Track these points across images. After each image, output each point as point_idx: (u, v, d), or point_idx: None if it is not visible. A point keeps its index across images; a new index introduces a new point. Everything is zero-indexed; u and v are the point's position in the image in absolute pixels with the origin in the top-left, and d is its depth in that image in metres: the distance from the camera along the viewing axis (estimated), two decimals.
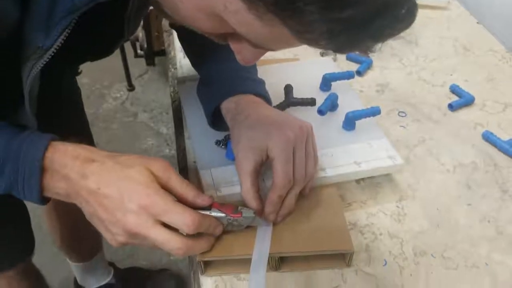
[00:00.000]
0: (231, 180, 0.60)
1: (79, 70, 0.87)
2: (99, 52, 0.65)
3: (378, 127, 0.68)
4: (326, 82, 0.74)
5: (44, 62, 0.45)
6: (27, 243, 0.89)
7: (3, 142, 0.47)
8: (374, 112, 0.67)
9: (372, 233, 0.60)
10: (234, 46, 0.44)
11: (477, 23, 1.00)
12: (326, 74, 0.74)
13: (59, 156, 0.47)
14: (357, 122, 0.67)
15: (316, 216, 0.57)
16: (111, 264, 1.32)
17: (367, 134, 0.67)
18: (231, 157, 0.62)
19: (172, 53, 0.90)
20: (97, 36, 0.58)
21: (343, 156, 0.63)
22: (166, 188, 0.48)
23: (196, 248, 0.50)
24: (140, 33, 1.76)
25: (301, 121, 0.57)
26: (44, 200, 0.49)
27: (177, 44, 0.92)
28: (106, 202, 0.47)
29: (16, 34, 0.44)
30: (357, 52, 0.41)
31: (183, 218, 0.47)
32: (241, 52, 0.44)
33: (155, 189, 0.47)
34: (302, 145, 0.55)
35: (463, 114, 0.78)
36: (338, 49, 0.37)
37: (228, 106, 0.61)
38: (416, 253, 0.58)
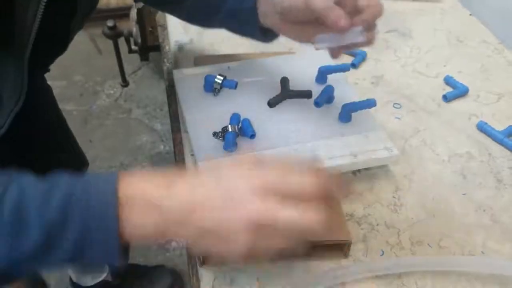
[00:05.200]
0: None
1: (48, 68, 0.84)
2: (56, 36, 0.62)
3: (374, 118, 0.69)
4: (322, 75, 0.74)
5: None
6: None
7: (56, 200, 0.37)
8: (369, 104, 0.68)
9: (369, 223, 0.60)
10: None
11: (470, 15, 1.00)
12: (321, 66, 0.74)
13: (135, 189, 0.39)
14: (353, 114, 0.68)
15: None
16: None
17: (363, 125, 0.67)
18: (228, 149, 0.62)
19: (167, 48, 0.90)
20: (48, 13, 0.53)
21: (340, 148, 0.64)
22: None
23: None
24: (134, 28, 1.75)
25: None
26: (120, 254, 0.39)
27: (172, 38, 0.91)
28: (214, 213, 0.38)
29: None
30: None
31: (304, 177, 0.39)
32: None
33: (255, 171, 0.40)
34: None
35: (458, 105, 0.79)
36: None
37: None
38: (413, 243, 0.58)
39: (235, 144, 0.62)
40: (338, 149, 0.63)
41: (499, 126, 0.73)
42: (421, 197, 0.64)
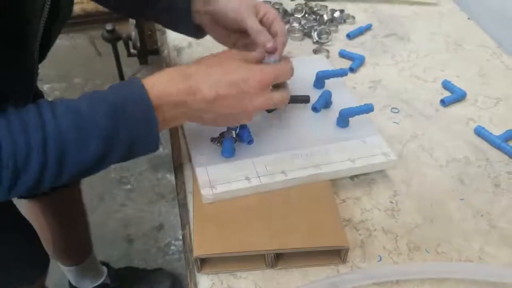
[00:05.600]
0: (227, 177, 0.60)
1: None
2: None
3: (372, 124, 0.69)
4: (320, 80, 0.74)
5: None
6: (42, 259, 0.88)
7: (103, 109, 0.47)
8: (367, 109, 0.68)
9: (366, 229, 0.60)
10: None
11: (468, 18, 1.01)
12: (319, 71, 0.74)
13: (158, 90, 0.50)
14: (351, 119, 0.68)
15: (311, 213, 0.58)
16: (106, 264, 1.32)
17: (361, 131, 0.67)
18: (226, 155, 0.62)
19: (166, 52, 0.90)
20: None
21: (338, 153, 0.64)
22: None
23: None
24: (133, 32, 1.75)
25: None
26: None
27: (171, 42, 0.91)
28: (228, 101, 0.53)
29: None
30: None
31: (287, 70, 0.58)
32: None
33: (251, 65, 0.56)
34: None
35: (455, 109, 0.79)
36: None
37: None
38: (410, 248, 0.58)
39: (233, 150, 0.62)
40: (336, 155, 0.63)
41: (497, 130, 0.73)
42: (418, 202, 0.64)
